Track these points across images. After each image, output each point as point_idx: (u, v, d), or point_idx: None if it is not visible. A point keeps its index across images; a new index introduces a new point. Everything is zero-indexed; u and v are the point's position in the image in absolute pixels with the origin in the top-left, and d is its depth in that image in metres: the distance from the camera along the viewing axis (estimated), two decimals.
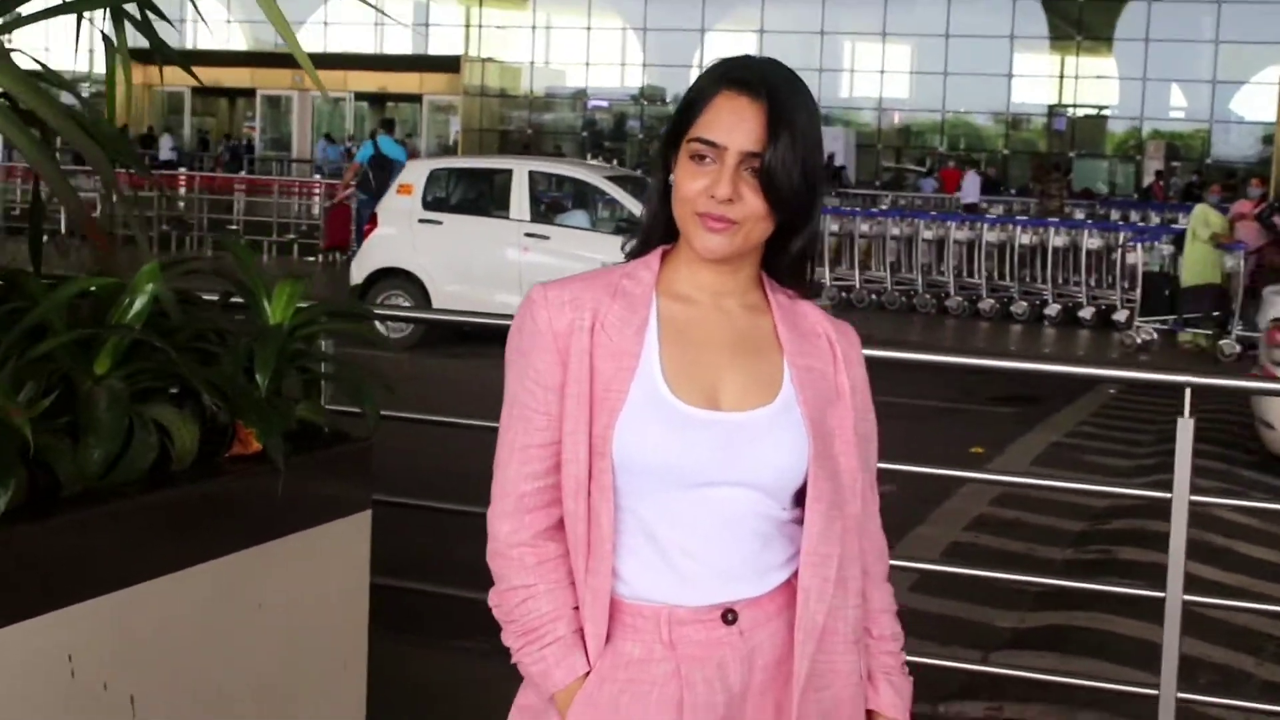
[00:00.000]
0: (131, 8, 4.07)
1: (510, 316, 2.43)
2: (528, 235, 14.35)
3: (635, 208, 13.93)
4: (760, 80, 2.21)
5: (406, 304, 14.41)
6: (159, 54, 4.21)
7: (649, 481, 2.21)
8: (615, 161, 33.60)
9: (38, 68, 3.88)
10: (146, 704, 3.26)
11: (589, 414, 2.21)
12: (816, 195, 2.25)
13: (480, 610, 2.50)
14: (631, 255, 2.35)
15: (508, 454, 2.29)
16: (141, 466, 3.27)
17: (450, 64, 42.55)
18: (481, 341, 12.54)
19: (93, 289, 3.57)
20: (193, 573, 3.35)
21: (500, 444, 2.30)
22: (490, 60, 44.42)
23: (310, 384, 3.98)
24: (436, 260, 14.43)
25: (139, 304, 3.48)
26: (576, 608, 2.25)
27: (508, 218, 14.54)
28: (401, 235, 14.72)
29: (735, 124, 2.18)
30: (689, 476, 2.21)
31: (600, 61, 43.94)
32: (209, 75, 44.29)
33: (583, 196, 15.30)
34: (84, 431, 3.18)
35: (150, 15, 4.11)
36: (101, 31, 4.06)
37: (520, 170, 14.84)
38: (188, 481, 3.41)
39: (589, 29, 43.31)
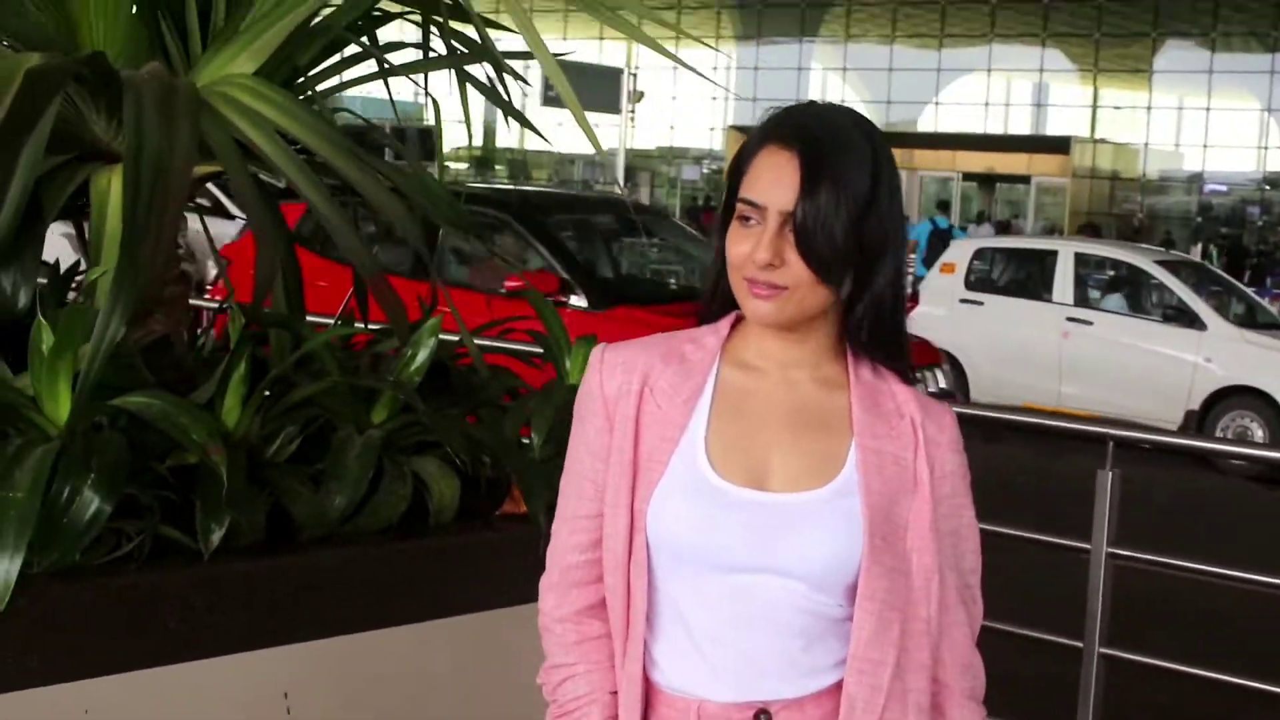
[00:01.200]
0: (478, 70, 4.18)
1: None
2: (1069, 320, 14.03)
3: (1186, 295, 13.40)
4: (798, 132, 2.03)
5: None
6: (510, 115, 4.32)
7: (681, 562, 2.07)
8: (1225, 250, 32.04)
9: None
10: None
11: (631, 485, 2.09)
12: (875, 255, 2.02)
13: None
14: (700, 321, 2.20)
15: (559, 523, 2.21)
16: (388, 516, 3.33)
17: (1060, 145, 41.73)
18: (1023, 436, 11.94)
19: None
20: (437, 625, 3.37)
21: (556, 512, 2.22)
22: (1102, 141, 43.33)
23: None
24: (976, 341, 14.31)
25: (420, 358, 3.57)
26: (615, 692, 2.13)
27: (1050, 300, 14.26)
28: (942, 314, 14.61)
29: (774, 181, 2.01)
30: (721, 560, 2.04)
31: (1220, 144, 42.10)
32: None
33: (1132, 281, 14.71)
34: (328, 476, 3.28)
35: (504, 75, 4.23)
36: (428, 94, 4.18)
37: (1065, 251, 14.64)
38: (442, 535, 3.45)
39: (1208, 109, 41.55)
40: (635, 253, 12.05)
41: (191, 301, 3.79)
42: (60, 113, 3.37)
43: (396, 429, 3.46)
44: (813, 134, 2.03)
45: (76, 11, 3.53)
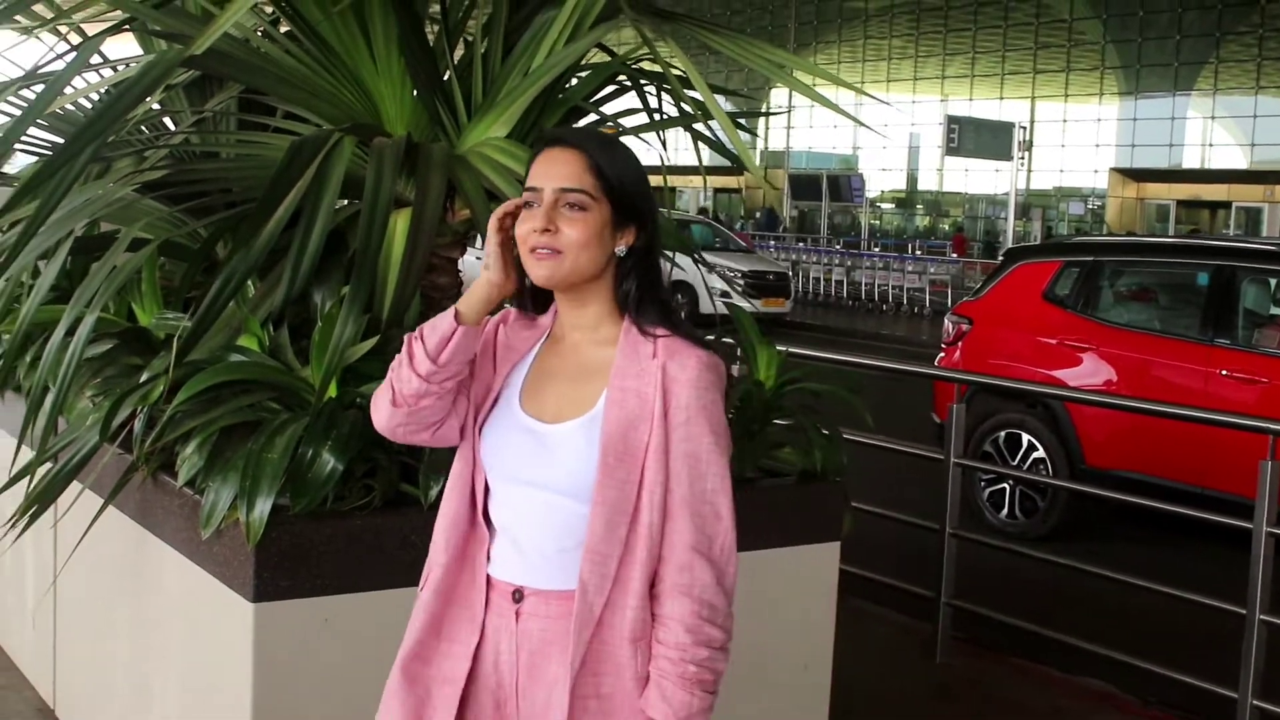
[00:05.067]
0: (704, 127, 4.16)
1: None
2: None
3: None
4: (564, 135, 2.16)
5: None
6: (738, 164, 4.29)
7: (488, 469, 2.18)
8: None
9: None
10: None
11: (482, 397, 2.22)
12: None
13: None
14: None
15: None
16: None
17: None
18: None
19: None
20: None
21: None
22: None
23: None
24: None
25: None
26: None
27: None
28: None
29: (546, 171, 2.10)
30: (506, 471, 2.16)
31: None
32: (1190, 190, 42.91)
33: None
34: None
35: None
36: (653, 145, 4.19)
37: None
38: None
39: None
40: None
41: None
42: (358, 171, 3.59)
43: None
44: (580, 136, 2.17)
45: (374, 98, 3.75)
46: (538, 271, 2.10)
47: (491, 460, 2.17)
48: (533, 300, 2.22)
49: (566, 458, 2.10)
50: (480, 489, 2.20)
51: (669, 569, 2.08)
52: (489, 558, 2.17)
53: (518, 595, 2.13)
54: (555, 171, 2.09)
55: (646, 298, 2.13)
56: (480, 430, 2.19)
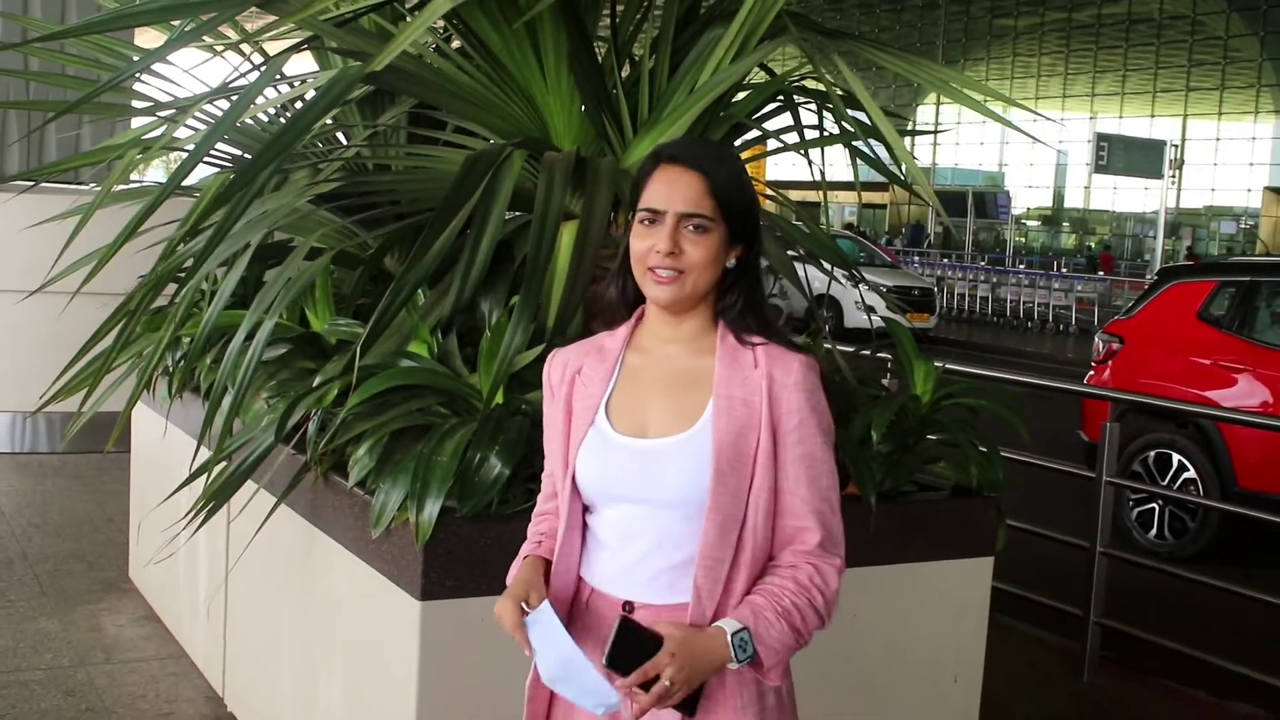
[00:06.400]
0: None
1: None
2: None
3: None
4: (685, 152, 2.14)
5: None
6: (893, 182, 4.27)
7: (590, 495, 2.19)
8: None
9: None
10: None
11: (565, 443, 2.23)
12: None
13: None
14: (615, 319, 2.28)
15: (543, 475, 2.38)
16: None
17: None
18: None
19: None
20: None
21: None
22: None
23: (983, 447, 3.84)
24: None
25: None
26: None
27: None
28: None
29: (668, 193, 2.10)
30: (609, 493, 2.17)
31: None
32: None
33: None
34: None
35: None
36: (811, 160, 4.18)
37: None
38: None
39: None
40: None
41: None
42: (526, 184, 3.66)
43: None
44: (697, 154, 2.15)
45: (543, 113, 3.81)
46: (660, 294, 2.12)
47: (591, 482, 2.17)
48: (629, 308, 2.24)
49: (675, 471, 2.10)
50: (570, 513, 2.22)
51: (790, 555, 2.11)
52: (590, 572, 2.20)
53: (628, 606, 2.14)
54: (677, 194, 2.09)
55: (747, 308, 2.15)
56: (574, 456, 2.20)
